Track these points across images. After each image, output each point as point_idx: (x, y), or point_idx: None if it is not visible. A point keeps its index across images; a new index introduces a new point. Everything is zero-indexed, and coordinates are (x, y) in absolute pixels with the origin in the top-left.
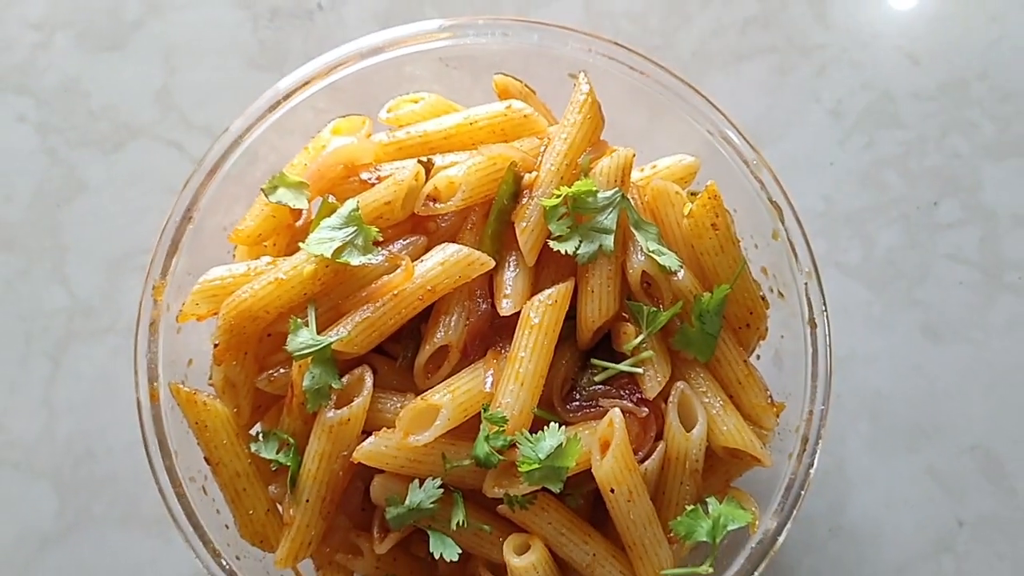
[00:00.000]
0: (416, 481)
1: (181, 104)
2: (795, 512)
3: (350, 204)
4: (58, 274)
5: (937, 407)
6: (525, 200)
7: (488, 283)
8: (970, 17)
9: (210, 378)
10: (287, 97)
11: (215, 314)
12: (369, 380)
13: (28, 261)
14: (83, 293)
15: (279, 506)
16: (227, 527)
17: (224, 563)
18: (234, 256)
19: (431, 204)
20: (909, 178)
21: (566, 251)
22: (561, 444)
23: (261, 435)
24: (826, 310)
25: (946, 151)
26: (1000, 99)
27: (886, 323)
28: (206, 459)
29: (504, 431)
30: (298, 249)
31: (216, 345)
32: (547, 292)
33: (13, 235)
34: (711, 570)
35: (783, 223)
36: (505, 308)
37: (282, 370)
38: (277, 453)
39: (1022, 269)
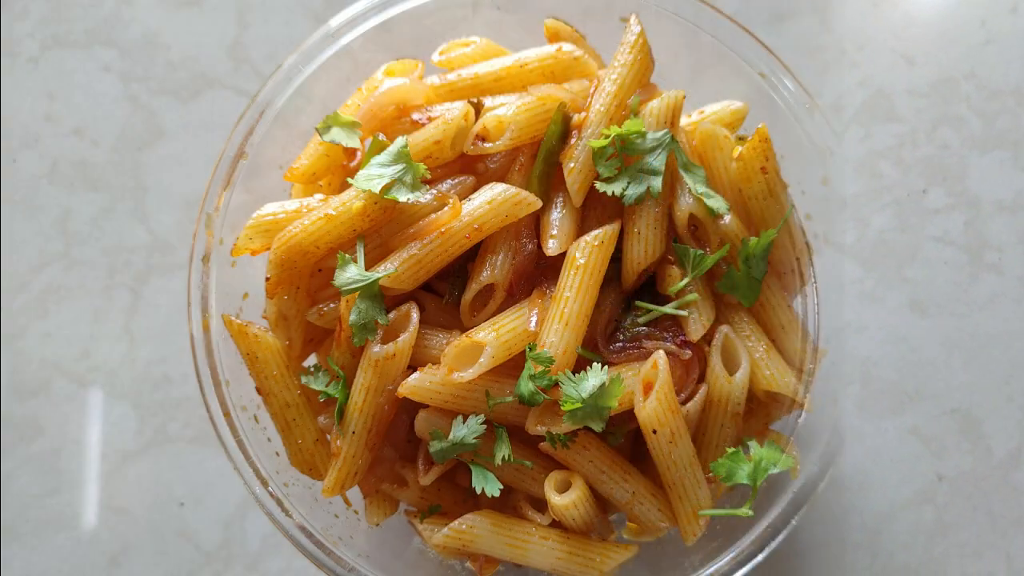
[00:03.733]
0: (460, 416)
1: (252, 56)
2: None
3: (399, 141)
4: (139, 212)
5: (922, 373)
6: (573, 141)
7: (535, 223)
8: (960, 22)
9: (264, 311)
10: (338, 33)
11: (268, 249)
12: (415, 316)
13: (112, 200)
14: (161, 231)
15: (328, 436)
16: (278, 454)
17: (271, 490)
18: (291, 195)
19: (480, 143)
20: (902, 167)
21: (613, 192)
22: (604, 384)
23: (314, 367)
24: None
25: (936, 143)
26: (986, 97)
27: (877, 297)
28: (257, 389)
29: (548, 371)
30: None
31: (268, 278)
32: (594, 233)
33: (98, 176)
34: (751, 513)
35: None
36: (551, 248)
37: (332, 304)
38: (327, 385)
39: (1002, 250)
